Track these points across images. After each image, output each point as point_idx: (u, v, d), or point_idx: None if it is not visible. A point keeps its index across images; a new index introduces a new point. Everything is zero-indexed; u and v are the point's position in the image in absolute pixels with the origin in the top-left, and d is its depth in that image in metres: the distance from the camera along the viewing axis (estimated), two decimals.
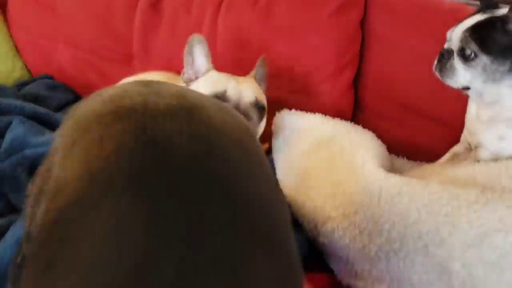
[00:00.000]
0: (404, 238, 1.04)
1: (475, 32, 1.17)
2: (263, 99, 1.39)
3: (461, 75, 1.22)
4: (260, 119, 1.33)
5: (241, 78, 1.41)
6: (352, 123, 1.45)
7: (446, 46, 1.27)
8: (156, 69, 1.90)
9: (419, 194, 1.06)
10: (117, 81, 1.87)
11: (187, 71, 1.43)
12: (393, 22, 1.64)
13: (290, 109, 1.59)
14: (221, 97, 1.26)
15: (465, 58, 1.20)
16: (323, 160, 1.23)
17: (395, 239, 1.05)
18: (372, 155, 1.20)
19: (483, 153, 1.27)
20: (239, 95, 1.29)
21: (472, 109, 1.34)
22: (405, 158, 1.60)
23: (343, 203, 1.13)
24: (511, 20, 1.15)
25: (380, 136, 1.65)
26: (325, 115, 1.55)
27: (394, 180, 1.10)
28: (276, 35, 1.66)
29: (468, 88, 1.26)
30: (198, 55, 1.40)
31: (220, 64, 1.77)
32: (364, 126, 1.70)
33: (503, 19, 1.16)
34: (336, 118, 1.44)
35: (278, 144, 1.37)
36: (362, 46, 1.70)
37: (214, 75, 1.39)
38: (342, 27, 1.62)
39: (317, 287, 1.13)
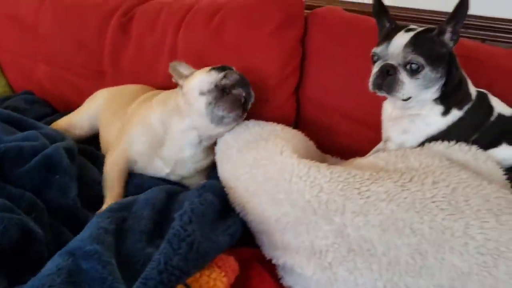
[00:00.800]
0: (309, 209, 1.22)
1: (418, 46, 1.31)
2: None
3: (408, 88, 1.34)
4: None
5: None
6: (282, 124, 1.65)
7: (381, 62, 1.36)
8: (126, 84, 2.10)
9: (323, 173, 1.24)
10: (90, 95, 2.09)
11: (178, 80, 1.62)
12: (329, 38, 1.87)
13: None
14: (222, 87, 1.51)
15: (412, 72, 1.33)
16: (251, 151, 1.42)
17: (304, 209, 1.23)
18: (292, 146, 1.39)
19: (390, 145, 1.46)
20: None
21: (387, 109, 1.54)
22: (338, 158, 1.78)
23: (263, 182, 1.31)
24: (445, 32, 1.35)
25: (318, 140, 1.86)
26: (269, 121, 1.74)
27: (305, 162, 1.28)
28: (226, 51, 1.88)
29: (409, 98, 1.37)
30: (183, 70, 1.64)
31: None
32: (304, 132, 1.92)
33: (439, 31, 1.35)
34: (269, 122, 1.63)
35: (220, 146, 1.57)
36: (304, 60, 1.93)
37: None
38: (283, 43, 1.84)
39: (242, 259, 1.30)
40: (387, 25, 1.44)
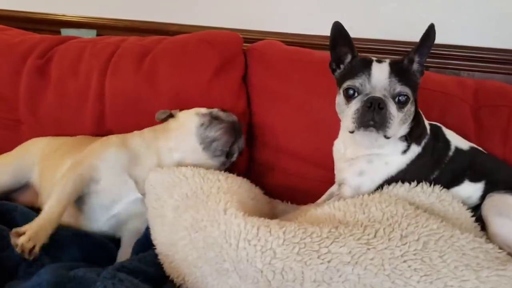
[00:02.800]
0: (262, 280, 1.03)
1: (402, 77, 1.19)
2: None
3: (396, 122, 1.18)
4: None
5: None
6: (227, 172, 1.44)
7: (363, 97, 1.18)
8: (47, 134, 1.85)
9: (275, 234, 1.06)
10: (5, 147, 1.82)
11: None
12: (271, 75, 1.73)
13: None
14: (215, 116, 1.48)
15: (400, 104, 1.19)
16: (189, 210, 1.21)
17: (256, 281, 1.04)
18: (237, 201, 1.20)
19: (346, 189, 1.31)
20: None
21: (340, 149, 1.39)
22: (289, 202, 1.61)
23: (205, 248, 1.11)
24: (413, 61, 1.24)
25: (269, 184, 1.70)
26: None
27: (253, 222, 1.09)
28: (162, 98, 1.68)
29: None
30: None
31: (111, 124, 1.77)
32: (256, 177, 1.73)
33: (409, 60, 1.23)
34: (211, 170, 1.43)
35: (151, 202, 1.34)
36: (249, 99, 1.77)
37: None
38: (225, 86, 1.67)
39: None
40: (349, 56, 1.28)
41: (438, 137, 1.34)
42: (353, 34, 2.05)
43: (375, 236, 1.04)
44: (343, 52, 1.27)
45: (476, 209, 1.29)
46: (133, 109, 1.68)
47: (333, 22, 1.26)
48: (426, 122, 1.36)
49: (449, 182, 1.30)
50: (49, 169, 1.60)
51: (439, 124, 1.39)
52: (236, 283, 1.05)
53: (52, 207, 1.30)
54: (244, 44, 1.79)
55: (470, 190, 1.31)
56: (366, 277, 0.98)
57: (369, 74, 1.19)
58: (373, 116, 1.15)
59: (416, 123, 1.28)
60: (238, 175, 1.50)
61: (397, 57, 1.32)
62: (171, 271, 1.20)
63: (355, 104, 1.18)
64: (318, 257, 1.01)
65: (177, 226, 1.21)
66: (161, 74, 1.69)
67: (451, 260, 0.99)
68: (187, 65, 1.67)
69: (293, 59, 1.71)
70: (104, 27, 2.36)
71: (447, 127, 1.45)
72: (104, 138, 1.57)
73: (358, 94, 1.20)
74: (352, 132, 1.19)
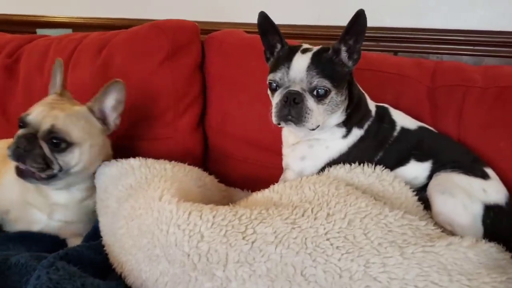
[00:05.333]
0: (188, 263, 1.03)
1: (321, 69, 1.15)
2: (70, 131, 1.29)
3: (316, 115, 1.17)
4: (56, 149, 1.27)
5: (66, 108, 1.34)
6: (176, 161, 1.44)
7: (283, 90, 1.17)
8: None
9: (205, 218, 1.06)
10: None
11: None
12: (228, 63, 1.72)
13: (135, 156, 1.58)
14: (23, 120, 1.29)
15: (319, 97, 1.16)
16: (130, 199, 1.21)
17: (183, 265, 1.03)
18: (177, 188, 1.20)
19: (289, 173, 1.30)
20: (40, 121, 1.27)
21: (285, 135, 1.38)
22: (249, 190, 1.60)
23: (138, 236, 1.11)
24: (340, 51, 1.20)
25: (229, 171, 1.70)
26: (173, 158, 1.54)
27: (185, 207, 1.09)
28: None
29: (317, 126, 1.20)
30: (56, 76, 1.43)
31: None
32: (213, 165, 1.75)
33: (334, 51, 1.19)
34: (160, 160, 1.43)
35: (99, 195, 1.35)
36: (206, 88, 1.77)
37: (47, 98, 1.39)
38: (177, 71, 1.67)
39: None
40: (278, 46, 1.27)
41: (383, 119, 1.32)
42: (320, 22, 2.06)
43: (302, 216, 1.04)
44: (275, 41, 1.26)
45: (423, 190, 1.27)
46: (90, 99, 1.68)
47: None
48: (372, 105, 1.34)
49: (395, 162, 1.28)
50: None
51: (386, 105, 1.38)
52: (165, 268, 1.05)
53: None
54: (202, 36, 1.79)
55: (417, 169, 1.29)
56: (288, 256, 0.97)
57: (289, 67, 1.17)
58: (289, 110, 1.14)
59: (356, 108, 1.26)
60: (192, 164, 1.50)
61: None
62: (113, 260, 1.20)
63: (276, 98, 1.18)
64: (243, 238, 1.01)
65: (118, 216, 1.21)
66: (115, 64, 1.70)
67: (375, 237, 0.98)
68: (138, 52, 1.67)
69: (250, 47, 1.69)
70: (79, 26, 2.39)
71: (401, 109, 1.44)
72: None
73: (280, 86, 1.19)
74: (278, 124, 1.19)
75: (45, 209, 1.41)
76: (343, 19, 1.92)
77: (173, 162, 1.42)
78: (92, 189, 1.41)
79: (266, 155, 1.66)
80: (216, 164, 1.74)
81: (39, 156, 1.24)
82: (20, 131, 1.28)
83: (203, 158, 1.78)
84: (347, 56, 1.21)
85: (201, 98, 1.75)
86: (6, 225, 1.45)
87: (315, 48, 1.21)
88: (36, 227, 1.42)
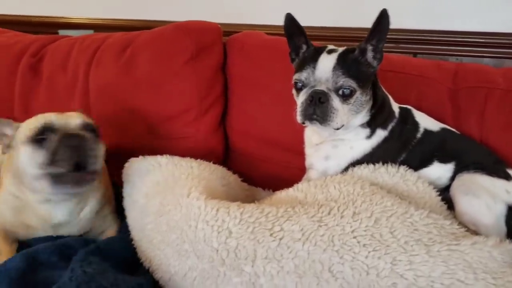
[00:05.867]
0: (217, 259, 1.05)
1: (347, 69, 1.17)
2: (93, 124, 1.28)
3: (341, 115, 1.18)
4: (96, 139, 1.24)
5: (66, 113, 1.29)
6: (202, 160, 1.47)
7: (308, 90, 1.20)
8: None
9: (233, 214, 1.08)
10: None
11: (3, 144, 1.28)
12: (250, 64, 1.74)
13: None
14: (49, 127, 1.18)
15: (344, 97, 1.18)
16: (158, 195, 1.24)
17: (212, 260, 1.06)
18: (204, 185, 1.22)
19: (313, 173, 1.32)
20: (65, 120, 1.22)
21: (308, 135, 1.40)
22: (271, 190, 1.63)
23: (167, 232, 1.14)
24: (366, 51, 1.22)
25: (250, 171, 1.72)
26: (194, 157, 1.57)
27: (213, 204, 1.12)
28: (139, 85, 1.72)
29: (342, 126, 1.21)
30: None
31: (96, 116, 1.80)
32: (234, 165, 1.77)
33: (360, 51, 1.21)
34: (186, 158, 1.45)
35: (127, 190, 1.38)
36: (228, 89, 1.79)
37: (30, 121, 1.25)
38: (199, 72, 1.70)
39: None
40: (304, 46, 1.29)
41: (407, 120, 1.33)
42: (338, 23, 2.07)
43: (328, 214, 1.05)
44: (301, 42, 1.28)
45: (446, 190, 1.28)
46: (114, 100, 1.72)
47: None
48: (396, 106, 1.36)
49: (418, 163, 1.30)
50: None
51: (409, 107, 1.39)
52: (194, 263, 1.07)
53: None
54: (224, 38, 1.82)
55: (440, 171, 1.30)
56: (315, 253, 0.99)
57: (315, 67, 1.19)
58: (315, 110, 1.16)
59: (380, 109, 1.28)
60: (214, 163, 1.52)
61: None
62: (141, 254, 1.23)
63: (302, 97, 1.20)
64: (271, 235, 1.03)
65: (146, 212, 1.24)
66: (139, 63, 1.72)
67: (401, 236, 0.99)
68: (162, 52, 1.69)
69: (272, 49, 1.72)
70: (100, 27, 2.42)
71: (424, 110, 1.45)
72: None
73: (305, 86, 1.21)
74: (302, 123, 1.21)
75: (47, 229, 1.30)
76: (361, 21, 1.95)
77: (198, 160, 1.44)
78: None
79: (286, 155, 1.68)
80: (236, 164, 1.76)
81: None
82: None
83: (224, 158, 1.80)
84: (372, 56, 1.22)
85: (222, 99, 1.77)
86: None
87: (341, 49, 1.23)
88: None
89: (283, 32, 1.94)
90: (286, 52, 1.71)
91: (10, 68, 1.98)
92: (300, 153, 1.63)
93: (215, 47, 1.75)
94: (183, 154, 1.56)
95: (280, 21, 2.02)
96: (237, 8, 2.16)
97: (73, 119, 1.25)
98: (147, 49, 1.73)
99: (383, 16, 1.17)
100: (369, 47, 1.22)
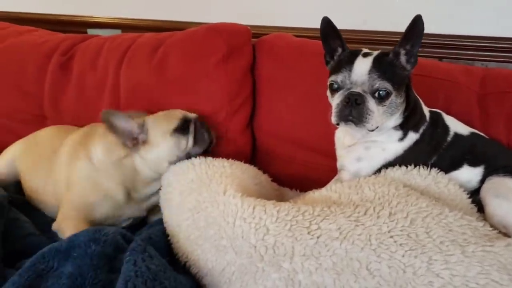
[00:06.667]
0: (255, 255, 1.08)
1: (383, 71, 1.20)
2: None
3: (376, 116, 1.21)
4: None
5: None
6: (234, 160, 1.50)
7: (344, 92, 1.22)
8: None
9: (270, 212, 1.11)
10: None
11: (127, 141, 1.45)
12: (278, 66, 1.77)
13: None
14: (188, 119, 1.51)
15: (380, 99, 1.21)
16: (193, 193, 1.28)
17: (250, 256, 1.09)
18: (238, 184, 1.26)
19: (345, 174, 1.35)
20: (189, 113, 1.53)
21: (340, 137, 1.43)
22: (298, 190, 1.66)
23: (205, 227, 1.17)
24: (399, 55, 1.25)
25: (277, 172, 1.74)
26: (222, 157, 1.59)
27: (249, 202, 1.15)
28: (171, 86, 1.76)
29: (376, 127, 1.24)
30: (122, 123, 1.43)
31: None
32: (261, 165, 1.79)
33: (394, 54, 1.24)
34: (218, 158, 1.49)
35: (163, 189, 1.42)
36: (255, 90, 1.83)
37: (159, 115, 1.56)
38: (229, 74, 1.73)
39: None
40: (339, 49, 1.32)
41: (437, 124, 1.35)
42: (366, 27, 2.09)
43: (365, 214, 1.08)
44: (336, 45, 1.31)
45: (476, 193, 1.31)
46: (145, 99, 1.76)
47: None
48: (426, 110, 1.38)
49: (448, 166, 1.32)
50: (28, 169, 1.72)
51: (439, 111, 1.41)
52: (232, 258, 1.11)
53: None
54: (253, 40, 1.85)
55: (470, 174, 1.32)
56: (353, 251, 1.02)
57: (351, 70, 1.21)
58: (350, 111, 1.19)
59: (412, 112, 1.30)
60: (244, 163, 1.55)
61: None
62: (177, 250, 1.26)
63: (337, 98, 1.23)
64: (308, 233, 1.06)
65: (182, 208, 1.28)
66: (171, 64, 1.76)
67: (437, 236, 1.02)
68: (194, 53, 1.73)
69: (301, 50, 1.75)
70: (128, 27, 2.46)
71: (452, 114, 1.47)
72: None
73: (341, 88, 1.24)
74: (337, 124, 1.24)
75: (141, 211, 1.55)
76: (389, 25, 1.99)
77: (230, 160, 1.47)
78: None
79: (314, 156, 1.71)
80: (263, 165, 1.78)
81: None
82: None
83: (251, 158, 1.83)
84: (405, 59, 1.25)
85: (251, 100, 1.80)
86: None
87: (376, 52, 1.26)
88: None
89: (310, 34, 2.00)
90: (314, 54, 1.75)
91: (40, 66, 2.02)
92: (326, 154, 1.66)
93: (245, 48, 1.78)
94: (213, 154, 1.59)
95: (307, 23, 2.08)
96: (266, 10, 2.19)
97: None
98: (179, 50, 1.76)
99: (418, 21, 1.19)
100: (402, 51, 1.24)
